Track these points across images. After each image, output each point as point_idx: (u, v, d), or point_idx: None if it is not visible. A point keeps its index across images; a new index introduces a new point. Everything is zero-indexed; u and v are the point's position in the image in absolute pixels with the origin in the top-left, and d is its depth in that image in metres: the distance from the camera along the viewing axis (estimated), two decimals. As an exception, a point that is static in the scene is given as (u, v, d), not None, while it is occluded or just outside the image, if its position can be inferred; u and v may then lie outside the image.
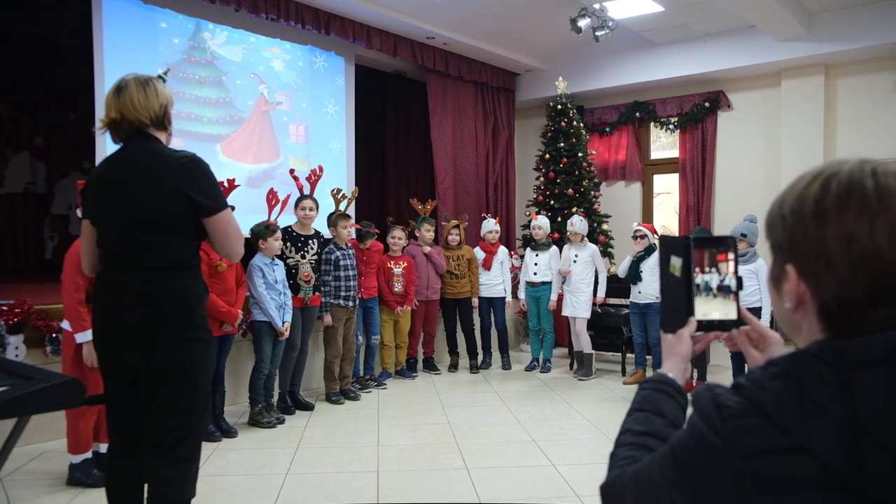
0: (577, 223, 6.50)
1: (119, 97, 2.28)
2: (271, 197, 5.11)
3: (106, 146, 5.75)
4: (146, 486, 2.34)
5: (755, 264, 5.27)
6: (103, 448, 3.73)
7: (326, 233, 5.64)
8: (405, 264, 6.21)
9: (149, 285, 2.24)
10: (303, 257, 5.17)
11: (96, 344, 2.40)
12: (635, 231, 6.10)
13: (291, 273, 5.11)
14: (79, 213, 3.56)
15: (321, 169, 5.58)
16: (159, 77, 2.47)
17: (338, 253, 5.45)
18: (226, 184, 4.39)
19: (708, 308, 1.07)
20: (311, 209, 5.23)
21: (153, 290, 2.23)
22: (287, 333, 4.88)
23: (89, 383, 3.32)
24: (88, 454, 3.65)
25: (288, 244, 5.12)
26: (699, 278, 1.06)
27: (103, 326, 2.34)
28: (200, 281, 2.40)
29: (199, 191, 2.23)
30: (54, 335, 4.19)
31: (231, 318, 4.45)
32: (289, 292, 4.97)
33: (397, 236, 6.23)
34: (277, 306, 4.82)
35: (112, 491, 2.46)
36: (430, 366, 6.65)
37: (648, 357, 6.24)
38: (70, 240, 3.65)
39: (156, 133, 2.33)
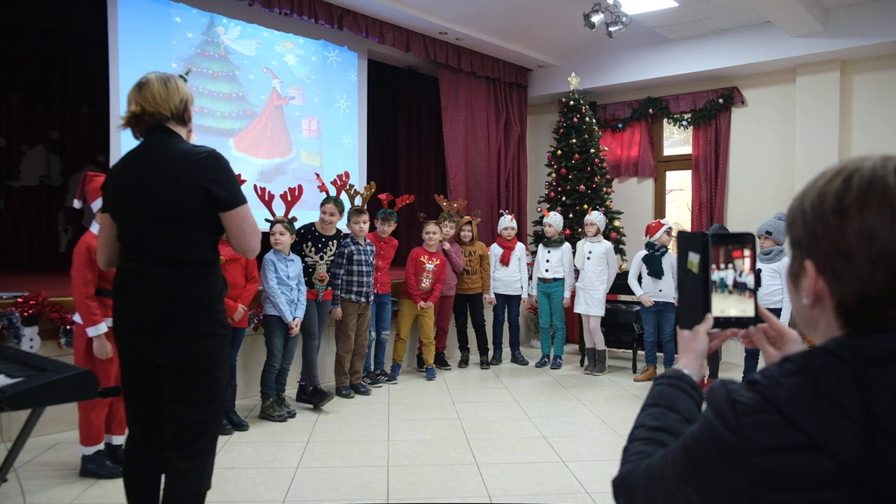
0: (595, 215, 6.52)
1: (140, 92, 2.33)
2: (286, 195, 5.15)
3: (121, 140, 5.80)
4: (163, 477, 2.35)
5: (779, 263, 5.11)
6: (115, 440, 3.77)
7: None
8: (438, 262, 6.20)
9: (167, 280, 2.26)
10: (321, 258, 5.18)
11: (116, 336, 2.41)
12: (670, 227, 6.03)
13: (308, 271, 5.12)
14: (76, 203, 3.60)
15: (347, 175, 5.66)
16: (181, 76, 2.51)
17: (353, 247, 5.43)
18: None
19: (725, 305, 1.07)
20: (332, 213, 5.23)
21: (172, 286, 2.26)
22: (297, 329, 4.88)
23: (101, 376, 3.36)
24: (101, 446, 3.67)
25: (309, 243, 5.13)
26: (716, 275, 1.06)
27: (124, 319, 2.36)
28: (219, 276, 2.41)
29: (217, 185, 2.25)
30: (68, 327, 4.22)
31: (228, 312, 4.41)
32: (304, 288, 4.97)
33: (431, 231, 6.21)
34: (288, 301, 4.82)
35: (129, 482, 2.47)
36: (441, 361, 6.65)
37: (660, 354, 6.22)
38: (83, 233, 3.67)
39: (176, 128, 2.36)
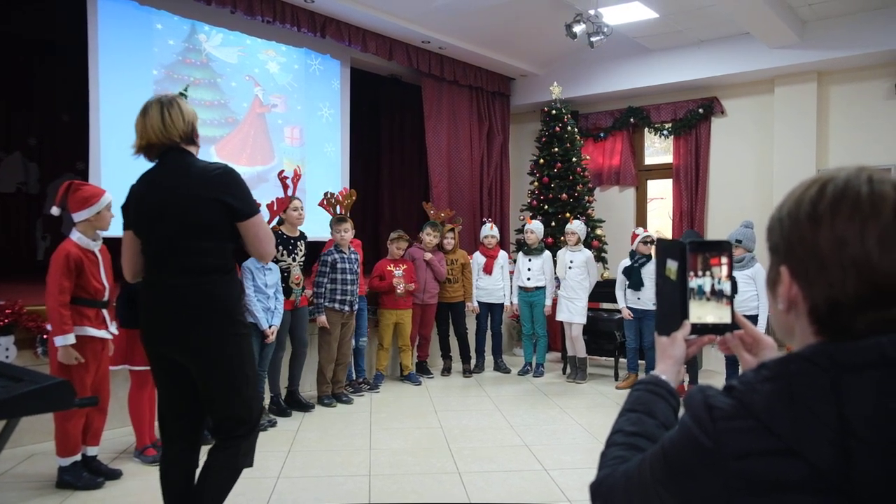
0: (576, 224, 6.54)
1: (144, 121, 2.47)
2: (273, 204, 5.13)
3: (100, 148, 5.76)
4: (209, 451, 2.57)
5: (752, 269, 5.25)
6: (90, 451, 3.72)
7: (312, 235, 5.63)
8: (405, 266, 6.20)
9: (193, 288, 2.43)
10: (293, 260, 5.15)
11: (147, 348, 2.57)
12: (645, 237, 6.08)
13: (283, 276, 5.10)
14: (54, 211, 3.56)
15: (300, 169, 5.73)
16: (181, 94, 2.66)
17: (336, 255, 5.42)
18: None
19: (702, 311, 1.08)
20: (301, 208, 5.24)
21: (197, 293, 2.43)
22: (273, 337, 4.86)
23: (76, 385, 3.31)
24: (77, 457, 3.62)
25: (279, 248, 5.11)
26: (694, 282, 1.07)
27: (152, 327, 2.51)
28: (238, 281, 2.61)
29: (234, 198, 2.43)
30: (45, 336, 4.16)
31: None
32: (281, 297, 4.95)
33: (396, 247, 6.22)
34: (264, 308, 4.80)
35: (166, 475, 2.63)
36: (423, 370, 6.64)
37: (641, 362, 6.25)
38: (62, 241, 3.63)
39: (187, 147, 2.53)
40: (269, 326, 4.81)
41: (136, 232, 2.54)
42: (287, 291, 5.09)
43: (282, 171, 5.63)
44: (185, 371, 2.51)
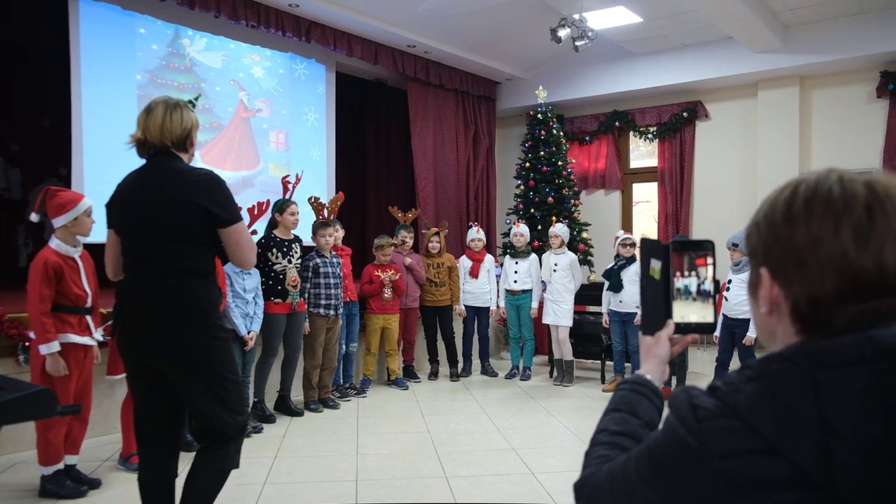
0: (559, 227, 6.56)
1: (147, 118, 2.50)
2: (254, 208, 5.11)
3: (83, 152, 5.71)
4: (196, 454, 2.58)
5: (749, 273, 5.22)
6: (70, 460, 3.68)
7: (306, 238, 5.62)
8: (392, 272, 6.18)
9: (171, 291, 2.43)
10: (289, 262, 5.13)
11: (121, 346, 2.53)
12: (624, 239, 6.11)
13: (279, 279, 5.07)
14: (34, 217, 3.52)
15: (301, 174, 5.69)
16: (189, 102, 2.70)
17: (318, 260, 5.41)
18: None
19: (686, 311, 1.09)
20: (298, 213, 5.24)
21: (177, 295, 2.42)
22: (252, 343, 4.81)
23: (59, 393, 3.27)
24: (60, 465, 3.58)
25: (273, 250, 5.09)
26: (677, 281, 1.08)
27: (128, 329, 2.50)
28: (216, 286, 2.60)
29: (216, 204, 2.43)
30: (27, 344, 4.11)
31: None
32: (261, 301, 4.91)
33: (385, 252, 6.21)
34: (242, 314, 4.76)
35: (146, 484, 2.62)
36: (410, 374, 6.62)
37: (627, 364, 6.27)
38: (43, 247, 3.59)
39: (178, 153, 2.53)
40: (248, 332, 4.77)
41: (117, 231, 2.55)
42: (283, 294, 5.07)
43: (286, 176, 5.64)
44: (165, 377, 2.50)
